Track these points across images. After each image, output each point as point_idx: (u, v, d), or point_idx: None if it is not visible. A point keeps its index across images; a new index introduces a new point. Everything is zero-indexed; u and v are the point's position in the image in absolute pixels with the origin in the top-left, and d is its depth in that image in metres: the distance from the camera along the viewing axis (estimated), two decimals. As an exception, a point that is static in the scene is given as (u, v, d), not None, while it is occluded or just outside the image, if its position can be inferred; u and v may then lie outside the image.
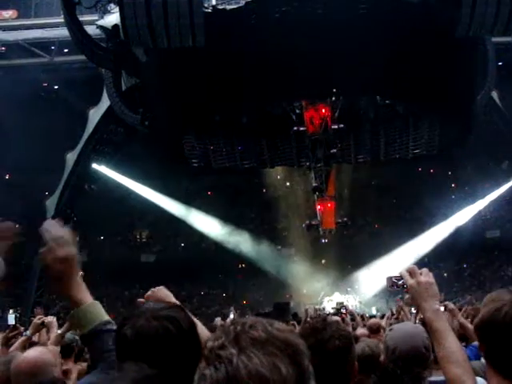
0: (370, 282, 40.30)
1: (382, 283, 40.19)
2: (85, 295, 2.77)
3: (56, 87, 40.85)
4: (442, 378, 3.26)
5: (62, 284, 2.74)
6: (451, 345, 2.65)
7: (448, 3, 24.40)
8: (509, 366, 2.58)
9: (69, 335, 6.63)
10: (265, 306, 38.73)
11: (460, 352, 2.63)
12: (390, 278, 3.18)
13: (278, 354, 1.46)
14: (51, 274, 2.72)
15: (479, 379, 3.37)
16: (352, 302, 38.14)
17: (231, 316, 20.37)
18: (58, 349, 5.85)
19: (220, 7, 27.46)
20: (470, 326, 5.19)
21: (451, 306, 5.14)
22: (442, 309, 5.31)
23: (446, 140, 34.09)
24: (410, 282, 2.85)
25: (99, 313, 2.74)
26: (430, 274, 2.87)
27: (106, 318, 2.74)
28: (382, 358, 3.70)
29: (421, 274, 2.85)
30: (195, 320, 2.40)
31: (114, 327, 2.64)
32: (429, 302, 2.77)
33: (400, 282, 3.04)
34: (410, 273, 2.89)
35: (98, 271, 42.89)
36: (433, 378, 3.75)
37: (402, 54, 25.59)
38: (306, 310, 16.97)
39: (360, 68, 26.25)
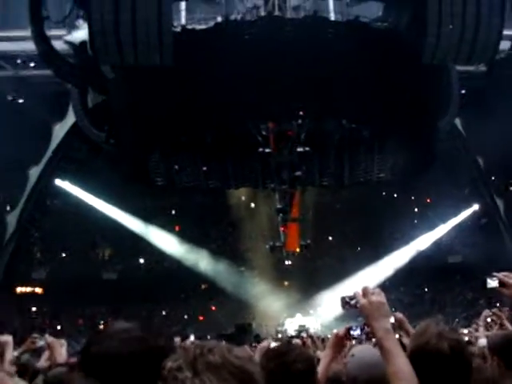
0: (333, 304, 40.36)
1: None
2: None
3: (21, 101, 40.42)
4: None
5: None
6: (400, 363, 2.68)
7: (414, 32, 24.85)
8: None
9: (25, 356, 6.52)
10: (227, 327, 38.54)
11: (408, 370, 2.68)
12: (343, 298, 3.21)
13: (231, 381, 1.48)
14: None
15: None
16: (313, 324, 38.13)
17: (191, 338, 20.28)
18: (13, 368, 5.74)
19: (189, 27, 27.56)
20: None
21: (399, 315, 5.19)
22: (392, 319, 5.40)
23: (410, 165, 34.48)
24: (362, 301, 2.87)
25: None
26: (382, 294, 2.90)
27: None
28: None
29: (373, 293, 2.88)
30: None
31: None
32: (380, 322, 2.79)
33: (352, 302, 3.07)
34: (363, 293, 2.91)
35: (58, 288, 42.41)
36: None
37: (369, 79, 25.91)
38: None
39: (327, 91, 26.51)
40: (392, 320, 5.03)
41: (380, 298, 2.88)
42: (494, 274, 3.72)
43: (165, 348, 2.18)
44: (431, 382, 2.75)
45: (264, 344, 4.69)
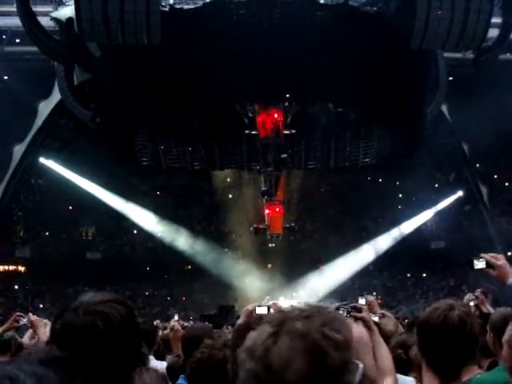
0: (316, 287, 40.55)
1: (328, 289, 40.54)
2: None
3: (6, 77, 39.99)
4: None
5: None
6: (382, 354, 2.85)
7: (403, 17, 24.82)
8: (440, 361, 2.78)
9: (9, 333, 6.49)
10: (210, 308, 38.60)
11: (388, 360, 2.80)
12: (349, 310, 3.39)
13: (301, 353, 1.46)
14: None
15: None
16: (297, 307, 38.25)
17: (175, 317, 20.24)
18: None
19: (177, 7, 27.35)
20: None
21: (370, 298, 5.30)
22: (363, 301, 5.50)
23: (395, 150, 34.58)
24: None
25: None
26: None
27: None
28: None
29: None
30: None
31: None
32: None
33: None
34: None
35: (41, 267, 42.27)
36: None
37: (357, 63, 25.87)
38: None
39: (314, 74, 26.46)
40: (363, 301, 5.09)
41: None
42: (482, 254, 3.70)
43: (131, 322, 2.15)
44: (440, 349, 2.82)
45: (248, 307, 4.67)
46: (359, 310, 3.63)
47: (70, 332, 2.05)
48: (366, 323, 3.46)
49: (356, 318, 3.37)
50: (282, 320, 1.51)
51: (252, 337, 1.52)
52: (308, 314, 1.54)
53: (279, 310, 1.57)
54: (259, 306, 4.93)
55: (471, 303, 6.81)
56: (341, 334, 1.52)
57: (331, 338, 1.50)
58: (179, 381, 4.41)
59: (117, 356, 2.02)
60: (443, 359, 2.83)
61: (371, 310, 5.27)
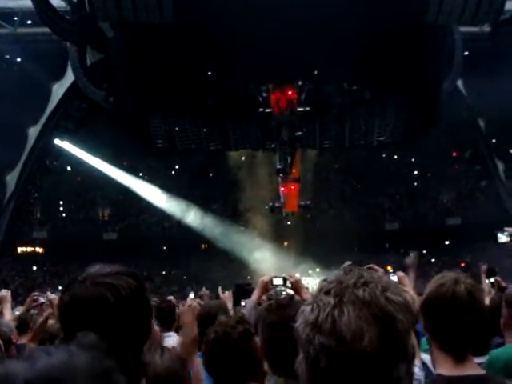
0: (331, 264, 40.61)
1: (343, 266, 40.51)
2: None
3: (18, 59, 40.00)
4: None
5: None
6: None
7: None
8: (452, 340, 2.73)
9: (29, 313, 6.54)
10: (227, 286, 38.75)
11: None
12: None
13: (370, 321, 1.44)
14: None
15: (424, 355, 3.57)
16: (313, 284, 38.37)
17: (191, 296, 20.32)
18: (13, 324, 5.74)
19: (189, -16, 27.15)
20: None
21: (400, 274, 5.26)
22: (396, 277, 5.44)
23: (410, 127, 34.35)
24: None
25: None
26: None
27: None
28: None
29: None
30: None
31: None
32: None
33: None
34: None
35: (58, 248, 42.60)
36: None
37: (371, 41, 25.60)
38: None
39: (328, 53, 26.20)
40: (395, 278, 5.07)
41: None
42: (506, 228, 3.65)
43: (140, 294, 2.10)
44: (446, 325, 2.76)
45: (264, 278, 4.67)
46: (375, 270, 3.57)
47: (78, 304, 2.00)
48: None
49: None
50: (341, 289, 1.48)
51: (311, 310, 1.49)
52: (365, 280, 1.51)
53: (332, 280, 1.53)
54: (275, 277, 4.90)
55: (492, 279, 6.74)
56: (400, 296, 1.51)
57: (395, 301, 1.48)
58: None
59: (127, 329, 1.98)
60: (455, 337, 2.74)
61: (402, 285, 5.28)
